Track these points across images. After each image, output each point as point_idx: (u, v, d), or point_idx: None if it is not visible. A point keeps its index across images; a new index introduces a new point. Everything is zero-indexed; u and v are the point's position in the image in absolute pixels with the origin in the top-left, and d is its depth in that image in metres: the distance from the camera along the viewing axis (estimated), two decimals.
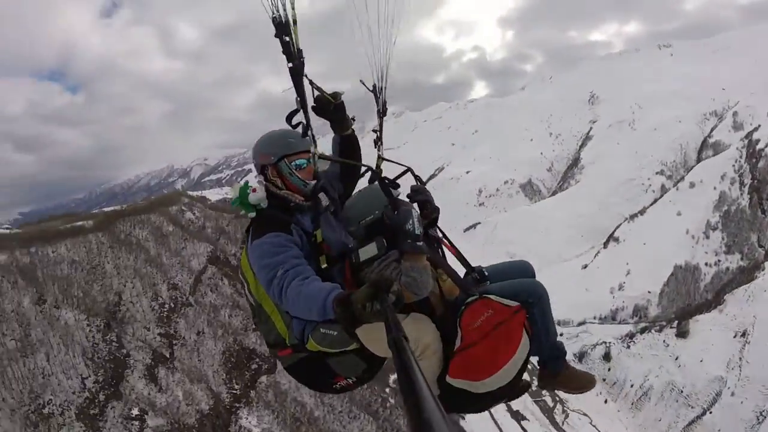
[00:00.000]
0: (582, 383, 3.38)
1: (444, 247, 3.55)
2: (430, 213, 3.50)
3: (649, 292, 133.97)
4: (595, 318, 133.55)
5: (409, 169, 3.64)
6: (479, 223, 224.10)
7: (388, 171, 3.64)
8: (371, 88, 3.66)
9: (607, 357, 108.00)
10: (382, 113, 3.76)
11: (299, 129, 3.12)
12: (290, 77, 2.95)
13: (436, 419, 0.98)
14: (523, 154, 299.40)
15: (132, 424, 27.94)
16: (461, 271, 3.48)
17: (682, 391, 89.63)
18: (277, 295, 2.82)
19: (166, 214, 43.21)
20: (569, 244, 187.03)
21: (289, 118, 3.10)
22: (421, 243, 2.84)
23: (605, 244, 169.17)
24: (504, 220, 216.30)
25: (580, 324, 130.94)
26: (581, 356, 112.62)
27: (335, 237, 3.20)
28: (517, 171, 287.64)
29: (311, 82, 3.10)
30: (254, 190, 3.12)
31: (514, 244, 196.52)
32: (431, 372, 3.01)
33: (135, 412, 28.86)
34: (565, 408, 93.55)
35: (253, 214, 3.16)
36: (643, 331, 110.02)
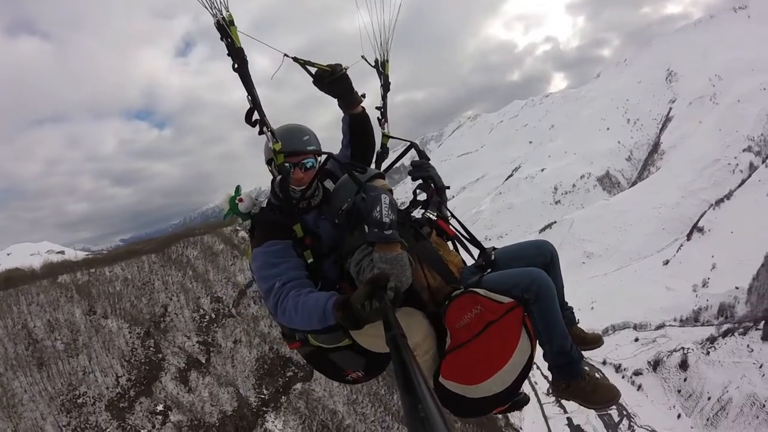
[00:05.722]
0: (601, 398, 2.93)
1: (448, 232, 3.30)
2: (434, 191, 3.35)
3: (736, 288, 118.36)
4: (675, 320, 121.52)
5: (412, 144, 3.52)
6: (555, 222, 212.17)
7: (396, 147, 3.66)
8: (373, 64, 3.50)
9: (683, 365, 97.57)
10: (385, 89, 3.59)
11: (257, 128, 2.97)
12: (239, 77, 2.84)
13: (434, 418, 0.96)
14: (600, 145, 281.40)
15: (156, 418, 30.17)
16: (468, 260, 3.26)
17: (764, 406, 77.35)
18: (272, 307, 2.78)
19: (221, 234, 45.68)
20: (650, 239, 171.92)
21: (247, 118, 2.93)
22: (390, 231, 2.62)
23: (689, 236, 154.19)
24: (580, 217, 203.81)
25: (658, 327, 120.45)
26: (656, 365, 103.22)
27: (330, 229, 3.13)
28: (594, 164, 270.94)
29: (295, 59, 3.03)
30: (240, 200, 3.14)
31: (591, 242, 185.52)
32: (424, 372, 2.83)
33: (160, 407, 31.04)
34: (632, 423, 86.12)
35: (248, 223, 3.17)
36: (726, 334, 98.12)
